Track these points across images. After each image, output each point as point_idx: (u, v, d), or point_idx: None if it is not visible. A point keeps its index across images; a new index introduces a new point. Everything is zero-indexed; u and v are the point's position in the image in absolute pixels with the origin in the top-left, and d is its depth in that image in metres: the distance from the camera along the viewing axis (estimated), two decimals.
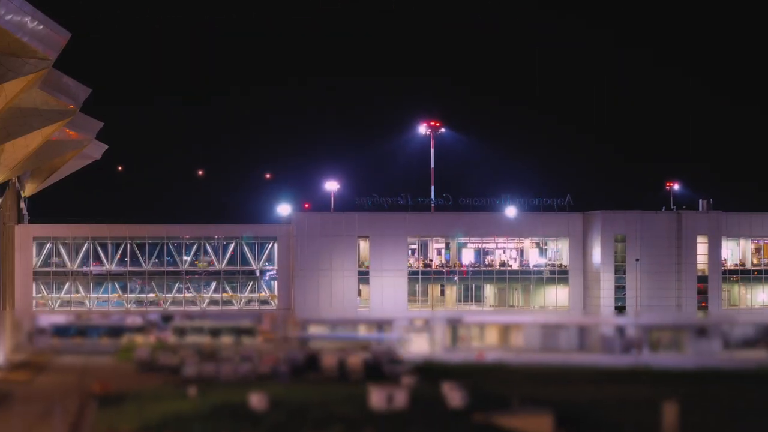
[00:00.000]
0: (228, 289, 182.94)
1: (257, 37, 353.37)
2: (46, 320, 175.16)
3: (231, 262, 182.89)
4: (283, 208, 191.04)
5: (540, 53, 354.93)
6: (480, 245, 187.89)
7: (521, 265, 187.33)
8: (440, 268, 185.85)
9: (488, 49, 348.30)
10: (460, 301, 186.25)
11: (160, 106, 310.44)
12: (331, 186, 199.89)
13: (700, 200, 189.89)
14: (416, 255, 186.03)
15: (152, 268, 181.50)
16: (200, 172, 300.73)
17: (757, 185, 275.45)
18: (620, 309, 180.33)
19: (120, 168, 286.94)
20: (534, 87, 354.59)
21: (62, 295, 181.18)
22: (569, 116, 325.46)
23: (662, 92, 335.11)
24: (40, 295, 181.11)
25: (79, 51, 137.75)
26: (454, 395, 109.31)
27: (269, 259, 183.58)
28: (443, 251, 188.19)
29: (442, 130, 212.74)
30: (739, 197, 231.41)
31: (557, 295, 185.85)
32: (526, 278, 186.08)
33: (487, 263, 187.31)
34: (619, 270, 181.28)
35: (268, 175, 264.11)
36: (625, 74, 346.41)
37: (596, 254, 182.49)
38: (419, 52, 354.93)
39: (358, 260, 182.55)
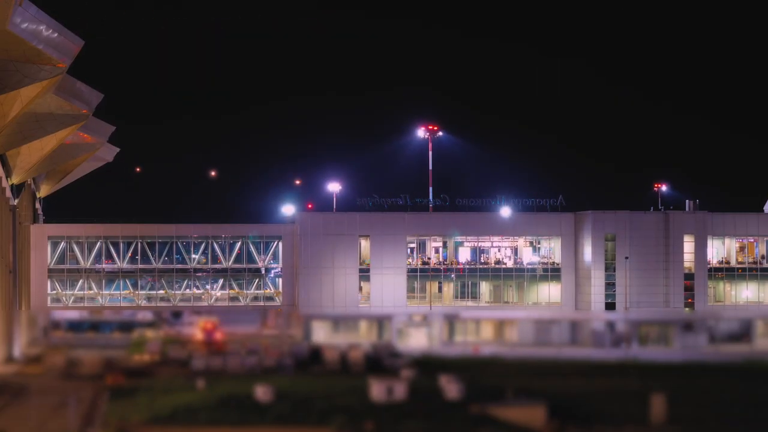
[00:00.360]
0: (234, 286, 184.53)
1: (263, 39, 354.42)
2: (61, 316, 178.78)
3: (237, 260, 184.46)
4: (288, 209, 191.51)
5: (537, 59, 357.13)
6: (476, 244, 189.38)
7: (515, 263, 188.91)
8: (438, 266, 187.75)
9: (486, 57, 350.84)
10: (456, 297, 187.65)
11: (170, 113, 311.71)
12: (334, 187, 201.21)
13: (687, 201, 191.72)
14: (415, 253, 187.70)
15: (162, 266, 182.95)
16: (213, 173, 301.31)
17: (741, 188, 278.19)
18: (610, 305, 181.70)
19: (138, 169, 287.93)
20: (528, 93, 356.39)
21: (76, 291, 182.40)
22: (561, 122, 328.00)
23: (656, 95, 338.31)
24: (54, 291, 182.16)
25: (89, 53, 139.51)
26: (451, 387, 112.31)
27: (274, 258, 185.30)
28: (441, 250, 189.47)
29: (440, 133, 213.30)
30: (724, 198, 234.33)
31: (550, 292, 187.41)
32: (520, 275, 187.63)
33: (482, 261, 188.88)
34: (609, 268, 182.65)
35: (298, 181, 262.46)
36: (619, 83, 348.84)
37: (587, 252, 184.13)
38: (418, 59, 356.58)
39: (359, 258, 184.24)
